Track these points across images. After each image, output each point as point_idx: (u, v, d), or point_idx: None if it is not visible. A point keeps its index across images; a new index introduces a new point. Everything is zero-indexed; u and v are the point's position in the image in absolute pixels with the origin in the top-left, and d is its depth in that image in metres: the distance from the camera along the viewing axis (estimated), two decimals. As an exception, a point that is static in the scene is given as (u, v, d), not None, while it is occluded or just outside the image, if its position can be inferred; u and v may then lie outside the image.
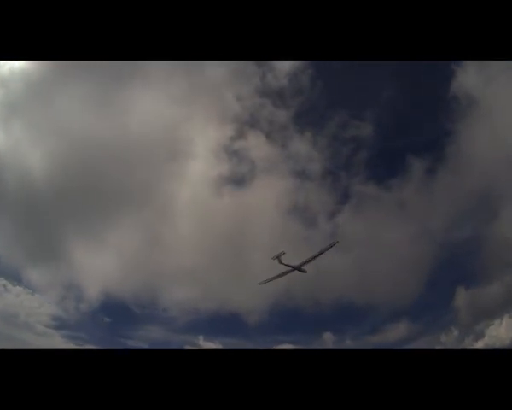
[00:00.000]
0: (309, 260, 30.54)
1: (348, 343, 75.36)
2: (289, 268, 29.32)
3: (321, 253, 30.51)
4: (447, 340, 72.80)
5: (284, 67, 44.45)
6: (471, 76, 45.35)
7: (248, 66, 43.04)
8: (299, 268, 29.82)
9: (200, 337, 76.53)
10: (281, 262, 28.69)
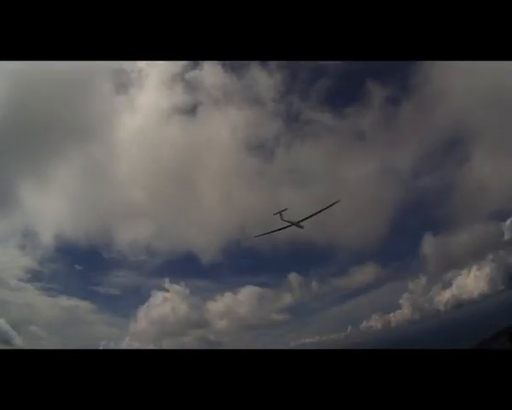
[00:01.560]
0: (308, 217, 30.56)
1: (314, 285, 79.33)
2: (288, 224, 29.04)
3: (320, 211, 30.41)
4: (414, 287, 77.76)
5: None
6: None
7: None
8: (297, 224, 29.67)
9: (166, 280, 79.50)
10: (282, 219, 28.86)
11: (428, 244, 72.97)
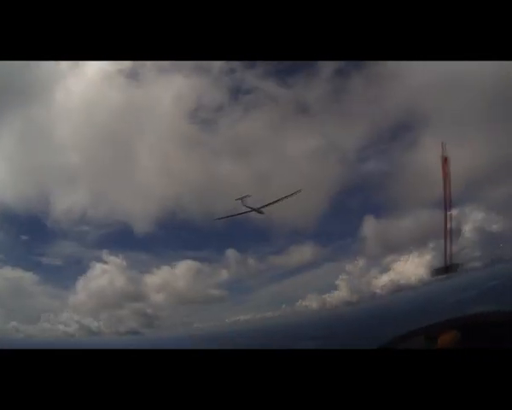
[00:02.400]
0: (269, 204, 31.22)
1: (251, 262, 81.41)
2: (249, 209, 29.51)
3: (282, 198, 31.06)
4: (352, 269, 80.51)
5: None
6: None
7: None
8: (258, 210, 30.22)
9: (105, 252, 77.96)
10: (244, 204, 29.50)
11: (369, 227, 73.69)
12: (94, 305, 72.63)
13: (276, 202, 31.23)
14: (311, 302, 76.59)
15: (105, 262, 73.41)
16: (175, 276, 75.17)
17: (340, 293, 76.79)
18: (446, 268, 15.32)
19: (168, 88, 75.41)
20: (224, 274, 77.32)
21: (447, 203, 14.48)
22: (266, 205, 31.02)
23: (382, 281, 75.02)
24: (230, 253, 78.08)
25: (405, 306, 59.94)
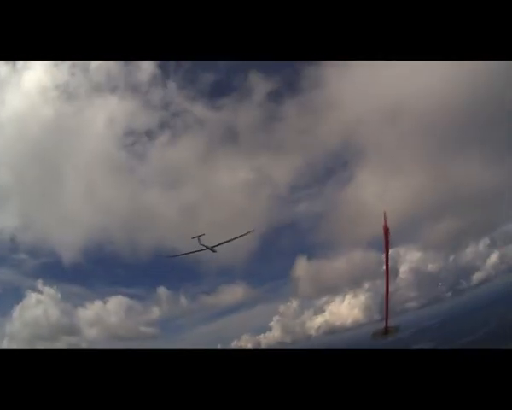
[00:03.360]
0: (221, 243, 31.66)
1: (183, 300, 78.94)
2: (203, 247, 29.67)
3: (236, 238, 31.87)
4: (286, 311, 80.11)
5: None
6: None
7: None
8: (211, 249, 30.56)
9: (40, 282, 73.23)
10: (200, 243, 29.91)
11: (302, 268, 75.31)
12: (29, 335, 67.86)
13: (228, 241, 31.65)
14: (246, 343, 75.52)
15: (40, 292, 70.45)
16: (107, 311, 72.92)
17: (275, 334, 76.90)
18: (385, 331, 16.73)
19: (101, 108, 73.24)
20: (155, 312, 74.16)
21: (387, 262, 15.64)
22: (219, 244, 31.32)
23: (317, 322, 76.53)
24: (161, 290, 75.12)
25: (341, 348, 61.07)
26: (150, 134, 75.61)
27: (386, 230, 13.71)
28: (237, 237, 31.59)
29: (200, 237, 29.64)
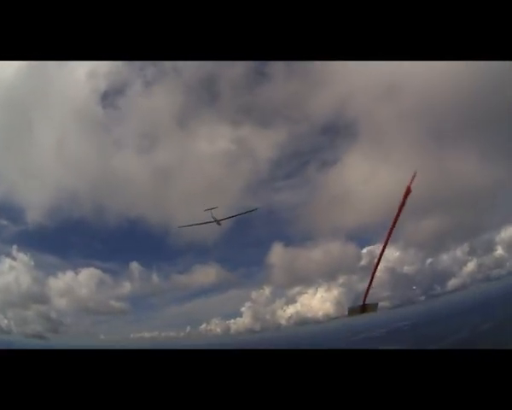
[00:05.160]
0: (227, 218, 32.31)
1: (155, 278, 78.41)
2: (212, 220, 29.03)
3: (240, 214, 32.55)
4: (258, 298, 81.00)
5: None
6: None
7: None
8: (218, 222, 30.06)
9: (14, 247, 71.19)
10: (212, 216, 30.26)
11: (277, 255, 75.04)
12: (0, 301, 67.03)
13: (232, 216, 31.60)
14: (216, 327, 75.68)
15: (14, 258, 69.08)
16: (77, 282, 71.68)
17: (245, 320, 77.27)
18: (363, 307, 15.99)
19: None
20: (126, 287, 73.54)
21: (390, 236, 15.06)
22: (225, 218, 30.94)
23: (288, 312, 77.47)
24: (134, 266, 73.42)
25: (310, 340, 62.18)
26: (129, 90, 70.88)
27: (408, 191, 13.12)
28: (242, 214, 31.77)
29: (212, 211, 29.89)
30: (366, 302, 15.88)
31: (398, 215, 14.35)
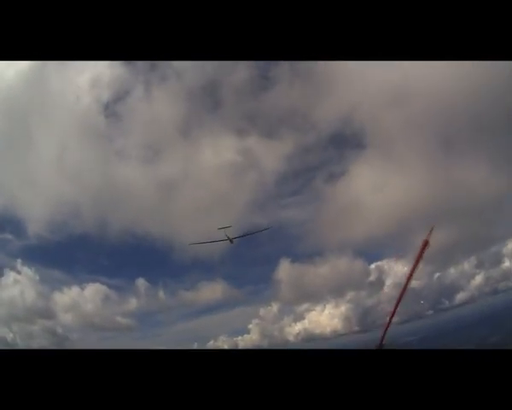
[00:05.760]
0: (240, 236, 32.74)
1: (161, 295, 76.84)
2: (225, 238, 29.83)
3: (253, 233, 32.55)
4: (265, 315, 78.72)
5: None
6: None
7: None
8: (231, 240, 30.75)
9: (19, 261, 70.61)
10: (226, 235, 30.37)
11: (284, 271, 73.74)
12: (5, 316, 69.39)
13: (246, 235, 32.16)
14: (223, 344, 74.82)
15: (18, 272, 74.07)
16: (83, 298, 70.88)
17: (252, 337, 76.25)
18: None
19: (86, 66, 69.01)
20: (133, 303, 73.00)
21: (409, 281, 15.15)
22: (238, 237, 31.69)
23: (296, 329, 75.93)
24: (140, 282, 73.11)
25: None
26: (132, 99, 71.88)
27: (425, 244, 13.33)
28: (255, 233, 32.26)
29: (226, 230, 29.86)
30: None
31: (414, 267, 14.32)
